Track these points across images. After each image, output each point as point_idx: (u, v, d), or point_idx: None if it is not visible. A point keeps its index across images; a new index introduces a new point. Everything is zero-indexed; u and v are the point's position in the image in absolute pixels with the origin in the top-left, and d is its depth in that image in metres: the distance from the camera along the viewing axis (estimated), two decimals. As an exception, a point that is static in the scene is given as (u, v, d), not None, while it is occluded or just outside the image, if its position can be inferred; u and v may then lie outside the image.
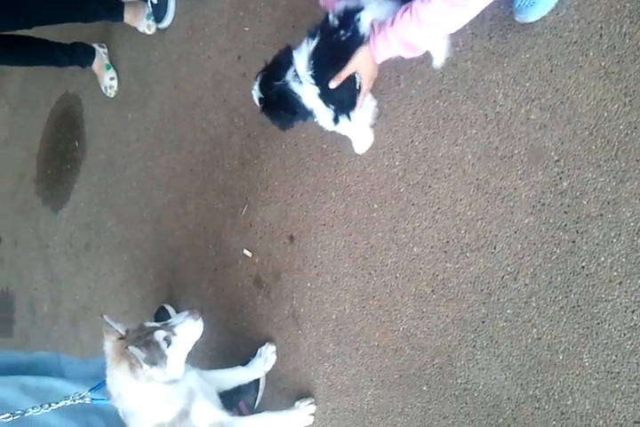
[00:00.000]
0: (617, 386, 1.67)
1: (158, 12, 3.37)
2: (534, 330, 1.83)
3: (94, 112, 4.02)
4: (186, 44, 3.27)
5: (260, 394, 2.53)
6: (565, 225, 1.79)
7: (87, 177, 4.01)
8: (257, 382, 2.52)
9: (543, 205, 1.84)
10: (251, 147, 2.81)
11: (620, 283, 1.68)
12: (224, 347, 2.79)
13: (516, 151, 1.92)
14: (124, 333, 1.85)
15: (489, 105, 2.00)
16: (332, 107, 1.89)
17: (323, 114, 1.92)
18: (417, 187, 2.15)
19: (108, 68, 3.75)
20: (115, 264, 3.63)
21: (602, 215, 1.73)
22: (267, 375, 2.54)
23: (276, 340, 2.57)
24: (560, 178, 1.82)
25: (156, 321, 2.87)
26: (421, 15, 1.56)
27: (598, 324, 1.71)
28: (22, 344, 4.46)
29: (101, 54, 3.74)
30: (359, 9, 1.74)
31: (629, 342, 1.66)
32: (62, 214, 4.23)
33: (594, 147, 1.77)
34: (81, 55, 3.69)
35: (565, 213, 1.80)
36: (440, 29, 1.65)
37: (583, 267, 1.75)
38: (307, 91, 1.83)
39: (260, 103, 1.91)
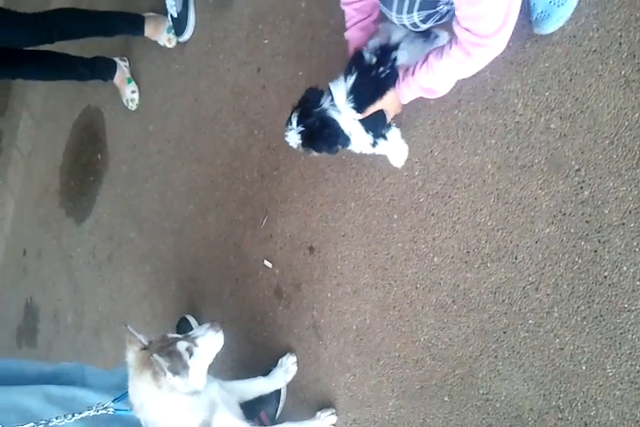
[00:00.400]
0: (641, 397, 1.65)
1: (178, 26, 3.41)
2: (557, 340, 1.82)
3: (116, 125, 4.07)
4: (206, 57, 3.31)
5: (281, 404, 2.54)
6: (587, 235, 1.78)
7: (109, 189, 4.06)
8: (278, 392, 2.53)
9: (564, 214, 1.83)
10: (270, 158, 2.82)
11: (643, 292, 1.67)
12: (245, 357, 2.80)
13: (536, 161, 1.91)
14: (146, 343, 1.87)
15: (508, 115, 1.99)
16: (371, 132, 2.02)
17: (362, 139, 2.03)
18: (437, 197, 2.15)
19: (130, 82, 3.80)
20: (137, 275, 3.66)
21: (624, 224, 1.72)
22: (287, 386, 2.54)
23: (297, 350, 2.57)
24: (581, 187, 1.81)
25: (177, 332, 2.91)
26: (435, 68, 1.76)
27: (622, 334, 1.69)
28: (46, 354, 4.51)
29: (122, 68, 3.79)
30: (394, 47, 1.89)
31: (653, 353, 1.64)
32: (85, 226, 4.28)
33: (615, 156, 1.76)
34: (102, 69, 3.74)
35: (587, 222, 1.79)
36: (453, 78, 1.85)
37: (605, 277, 1.74)
38: (345, 118, 1.94)
39: (301, 137, 1.95)
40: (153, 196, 3.59)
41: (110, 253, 3.94)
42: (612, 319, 1.71)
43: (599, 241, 1.76)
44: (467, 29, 1.58)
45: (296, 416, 2.46)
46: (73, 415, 1.83)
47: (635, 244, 1.69)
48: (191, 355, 1.86)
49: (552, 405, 1.81)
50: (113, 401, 1.94)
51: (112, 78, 3.78)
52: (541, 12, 1.88)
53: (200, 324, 3.04)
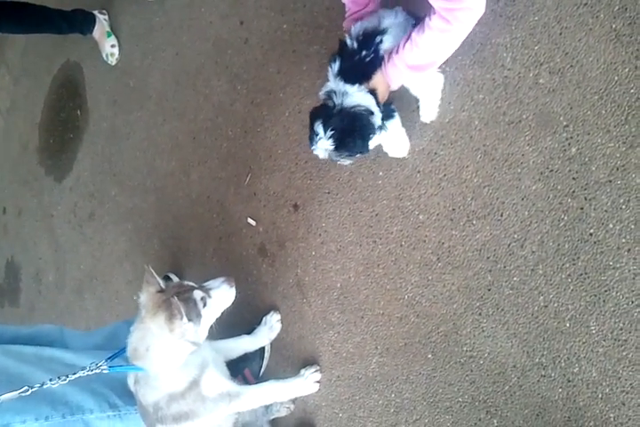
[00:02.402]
0: (624, 354, 1.65)
1: (158, -22, 3.31)
2: (541, 298, 1.82)
3: (96, 80, 3.98)
4: (187, 9, 3.22)
5: (265, 362, 2.54)
6: (573, 191, 1.77)
7: (90, 146, 3.98)
8: (262, 349, 2.52)
9: (551, 171, 1.81)
10: (254, 114, 2.77)
11: (629, 250, 1.66)
12: (229, 315, 2.78)
13: (524, 116, 1.88)
14: (164, 286, 1.89)
15: (497, 69, 1.95)
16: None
17: (376, 109, 1.93)
18: (422, 153, 2.12)
19: (109, 36, 3.70)
20: (119, 233, 3.62)
21: (611, 181, 1.70)
22: (272, 343, 2.54)
23: (281, 308, 2.56)
24: (569, 144, 1.79)
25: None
26: (419, 43, 1.73)
27: (606, 291, 1.69)
28: (29, 314, 4.49)
29: (102, 21, 3.69)
30: (380, 31, 1.84)
31: (637, 310, 1.64)
32: (66, 184, 4.21)
33: (604, 111, 1.73)
34: (81, 22, 3.64)
35: (574, 179, 1.77)
36: (440, 51, 1.79)
37: (591, 234, 1.73)
38: (357, 94, 1.85)
39: (333, 142, 1.82)
40: (134, 153, 3.53)
41: (91, 211, 3.89)
42: (597, 277, 1.71)
43: (585, 198, 1.74)
44: None
45: (280, 373, 2.47)
46: (67, 377, 1.81)
47: (621, 201, 1.68)
48: (205, 305, 1.89)
49: (535, 362, 1.82)
50: (107, 360, 1.93)
51: (91, 32, 3.69)
52: None
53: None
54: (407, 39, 1.77)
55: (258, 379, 2.49)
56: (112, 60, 3.73)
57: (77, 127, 4.10)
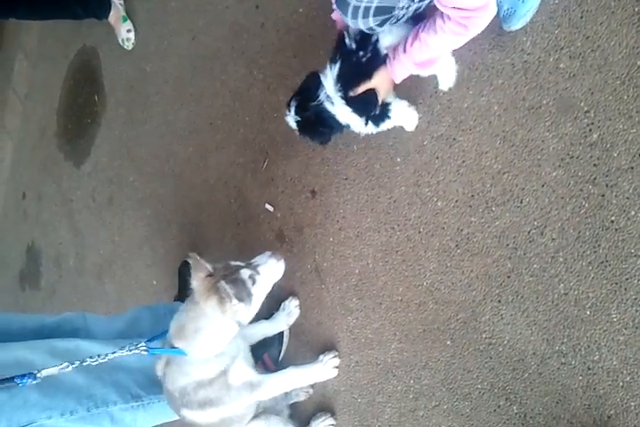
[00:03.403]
0: (645, 342, 1.65)
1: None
2: (561, 285, 1.80)
3: (112, 65, 3.97)
4: (203, -7, 3.20)
5: (283, 347, 2.55)
6: (595, 178, 1.74)
7: (108, 131, 3.99)
8: (281, 335, 2.53)
9: (572, 157, 1.79)
10: (270, 100, 2.76)
11: (651, 238, 1.64)
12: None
13: (544, 102, 1.85)
14: (212, 270, 1.90)
15: (516, 54, 1.92)
16: (365, 118, 1.98)
17: (359, 125, 2.01)
18: (441, 139, 2.10)
19: (125, 20, 3.69)
20: (138, 219, 3.64)
21: (633, 168, 1.67)
22: (290, 329, 2.55)
23: (300, 294, 2.57)
24: (590, 129, 1.76)
25: (179, 276, 2.91)
26: (430, 43, 1.72)
27: (627, 279, 1.67)
28: (49, 297, 4.54)
29: (117, 6, 3.68)
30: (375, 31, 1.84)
31: (659, 298, 1.63)
32: (84, 169, 4.24)
33: (625, 97, 1.70)
34: (97, 7, 3.63)
35: (595, 165, 1.74)
36: (447, 49, 1.82)
37: (612, 221, 1.71)
38: (339, 109, 1.90)
39: (297, 126, 1.97)
40: (152, 138, 3.53)
41: (110, 196, 3.91)
42: (618, 265, 1.69)
43: (607, 185, 1.72)
44: (455, 8, 1.57)
45: (299, 359, 2.48)
46: (106, 355, 1.84)
47: (644, 188, 1.66)
48: (254, 283, 1.92)
49: (555, 349, 1.81)
50: (146, 341, 1.95)
51: (107, 17, 3.68)
52: (508, 9, 1.87)
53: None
54: (415, 38, 1.75)
55: (277, 364, 2.50)
56: (128, 45, 3.73)
57: (95, 112, 4.11)
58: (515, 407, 1.90)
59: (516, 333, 1.90)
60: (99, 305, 3.89)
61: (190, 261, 1.93)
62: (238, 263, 1.96)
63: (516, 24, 1.88)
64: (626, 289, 1.68)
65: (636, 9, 1.68)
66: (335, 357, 2.36)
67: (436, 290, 2.10)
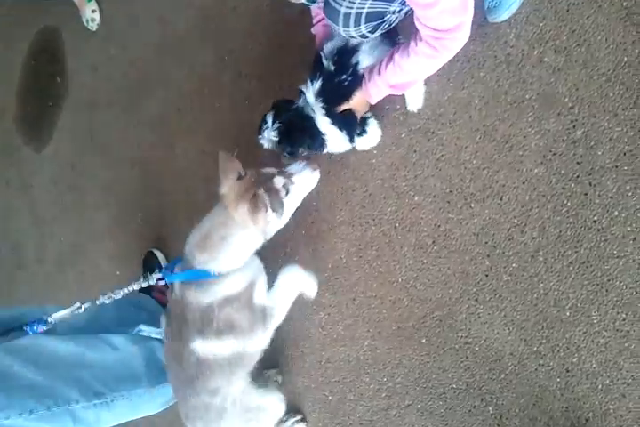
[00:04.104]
0: (626, 345, 1.62)
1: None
2: (541, 285, 1.77)
3: (76, 46, 3.82)
4: (171, -27, 3.08)
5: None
6: (578, 176, 1.71)
7: (70, 115, 3.84)
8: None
9: (554, 154, 1.75)
10: (242, 86, 2.66)
11: (634, 239, 1.61)
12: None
13: (527, 96, 1.81)
14: (243, 173, 1.83)
15: (499, 46, 1.87)
16: (345, 131, 1.96)
17: (337, 137, 1.97)
18: (419, 132, 2.04)
19: (90, 0, 3.53)
20: (101, 206, 3.52)
21: (617, 167, 1.64)
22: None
23: (269, 287, 2.50)
24: (574, 126, 1.72)
25: (144, 266, 2.82)
26: (403, 66, 1.71)
27: (609, 280, 1.65)
28: (8, 287, 4.39)
29: (82, -16, 3.52)
30: (352, 49, 1.84)
31: (641, 300, 1.60)
32: (45, 154, 4.08)
33: (611, 94, 1.66)
34: (60, -15, 3.48)
35: (578, 163, 1.71)
36: (421, 73, 1.79)
37: (595, 221, 1.68)
38: (320, 118, 1.90)
39: (278, 133, 1.90)
40: (117, 123, 3.40)
41: (72, 182, 3.77)
42: (600, 265, 1.67)
43: (590, 184, 1.69)
44: (428, 27, 1.54)
45: (268, 355, 2.42)
46: (121, 290, 1.88)
47: (627, 188, 1.63)
48: (287, 192, 1.85)
49: (533, 350, 1.78)
50: (160, 272, 1.94)
51: (70, -4, 3.53)
52: (493, 0, 1.83)
53: (168, 259, 2.95)
54: (389, 61, 1.74)
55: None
56: (93, 26, 3.57)
57: (57, 95, 3.95)
58: (490, 408, 1.87)
59: (493, 332, 1.86)
60: (60, 295, 3.76)
61: (219, 159, 1.84)
62: (271, 170, 1.88)
63: (502, 16, 1.83)
64: (607, 291, 1.65)
65: (625, 3, 1.64)
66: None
67: (412, 287, 2.05)
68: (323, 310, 2.30)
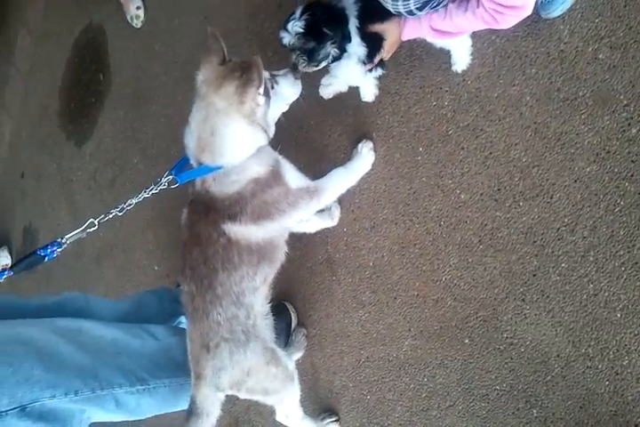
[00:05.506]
0: (680, 348, 1.58)
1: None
2: (591, 286, 1.73)
3: (119, 43, 3.86)
4: (218, -30, 3.09)
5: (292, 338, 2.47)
6: (632, 175, 1.66)
7: (112, 111, 3.88)
8: (288, 325, 2.45)
9: (608, 152, 1.71)
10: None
11: (692, 239, 1.57)
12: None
13: (580, 93, 1.77)
14: (227, 58, 1.75)
15: (552, 42, 1.84)
16: (366, 49, 1.89)
17: (356, 52, 1.90)
18: (467, 129, 2.01)
19: (135, -3, 3.57)
20: (140, 201, 3.53)
21: (674, 165, 1.60)
22: (298, 321, 2.48)
23: (309, 284, 2.49)
24: (629, 124, 1.68)
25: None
26: (455, 18, 1.68)
27: (663, 282, 1.60)
28: (46, 280, 4.44)
29: (127, -19, 3.56)
30: None
31: (697, 303, 1.56)
32: (86, 149, 4.13)
33: (669, 90, 1.62)
34: (106, -18, 3.52)
35: (633, 161, 1.67)
36: (470, 29, 1.79)
37: (649, 220, 1.64)
38: (352, 22, 1.83)
39: (304, 25, 1.76)
40: (158, 119, 3.42)
41: (112, 177, 3.81)
42: (654, 266, 1.62)
43: (645, 182, 1.64)
44: (494, 1, 1.55)
45: (307, 351, 2.41)
46: (145, 191, 1.96)
47: (685, 186, 1.58)
48: (272, 87, 1.80)
49: (581, 352, 1.74)
50: (171, 170, 1.88)
51: (116, -7, 3.56)
52: None
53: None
54: (443, 6, 1.69)
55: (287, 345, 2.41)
56: (137, 23, 3.61)
57: (99, 91, 4.00)
58: (535, 411, 1.83)
59: (539, 333, 1.82)
60: (97, 290, 3.79)
61: (208, 35, 1.77)
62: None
63: (555, 11, 1.80)
64: (661, 292, 1.60)
65: (686, -2, 1.60)
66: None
67: (456, 286, 2.02)
68: (363, 308, 2.28)
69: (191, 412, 1.84)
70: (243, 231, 1.79)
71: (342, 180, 2.10)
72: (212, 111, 1.68)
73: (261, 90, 1.64)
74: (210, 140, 1.71)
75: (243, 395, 1.92)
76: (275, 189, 1.81)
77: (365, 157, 2.21)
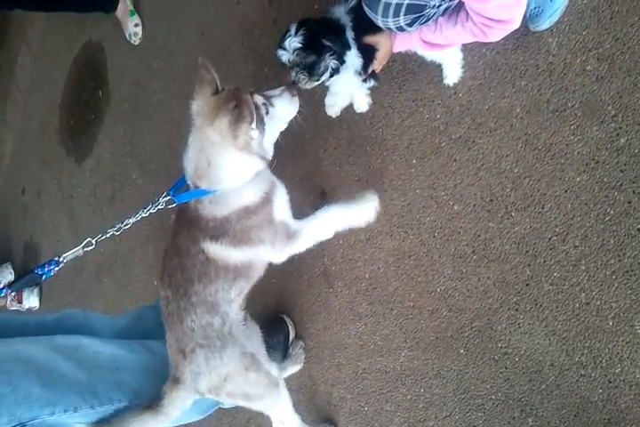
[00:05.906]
0: (672, 355, 1.59)
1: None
2: (582, 294, 1.74)
3: (118, 60, 3.91)
4: (213, -12, 3.13)
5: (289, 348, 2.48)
6: (621, 184, 1.68)
7: (111, 127, 3.93)
8: (286, 338, 2.46)
9: (597, 162, 1.73)
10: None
11: (681, 247, 1.58)
12: (251, 303, 2.73)
13: (569, 105, 1.80)
14: (220, 86, 1.72)
15: (541, 55, 1.87)
16: (361, 59, 1.92)
17: (352, 62, 1.92)
18: (459, 141, 2.04)
19: (132, 15, 3.62)
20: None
21: (662, 175, 1.62)
22: (296, 334, 2.49)
23: (306, 297, 2.50)
24: (617, 134, 1.70)
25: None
26: (444, 31, 1.72)
27: (654, 290, 1.62)
28: (46, 295, 4.47)
29: (125, 0, 3.60)
30: None
31: (687, 310, 1.57)
32: (86, 166, 4.17)
33: (656, 101, 1.65)
34: (104, 0, 3.56)
35: (622, 171, 1.69)
36: (459, 41, 1.84)
37: (639, 229, 1.65)
38: (349, 33, 1.86)
39: (303, 39, 1.78)
40: (157, 135, 3.46)
41: (112, 193, 3.84)
42: (645, 274, 1.64)
43: (634, 191, 1.67)
44: (482, 15, 1.58)
45: (303, 364, 2.42)
46: (143, 210, 1.88)
47: (673, 195, 1.60)
48: (267, 113, 1.77)
49: (575, 361, 1.75)
50: (170, 190, 1.85)
51: (114, 10, 3.61)
52: (535, 8, 1.83)
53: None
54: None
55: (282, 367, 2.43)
56: (135, 40, 3.66)
57: (98, 108, 4.04)
58: (530, 420, 1.84)
59: (533, 342, 1.83)
60: (97, 305, 3.81)
61: (199, 65, 1.72)
62: (249, 90, 1.75)
63: (543, 24, 1.83)
64: (652, 300, 1.62)
65: (669, 9, 1.62)
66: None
67: (450, 297, 2.03)
68: (359, 320, 2.29)
69: (151, 406, 1.84)
70: (222, 252, 1.80)
71: (328, 223, 2.02)
72: (207, 143, 1.69)
73: (254, 124, 1.64)
74: (207, 170, 1.72)
75: (224, 399, 1.95)
76: (260, 215, 1.82)
77: (365, 207, 2.06)
